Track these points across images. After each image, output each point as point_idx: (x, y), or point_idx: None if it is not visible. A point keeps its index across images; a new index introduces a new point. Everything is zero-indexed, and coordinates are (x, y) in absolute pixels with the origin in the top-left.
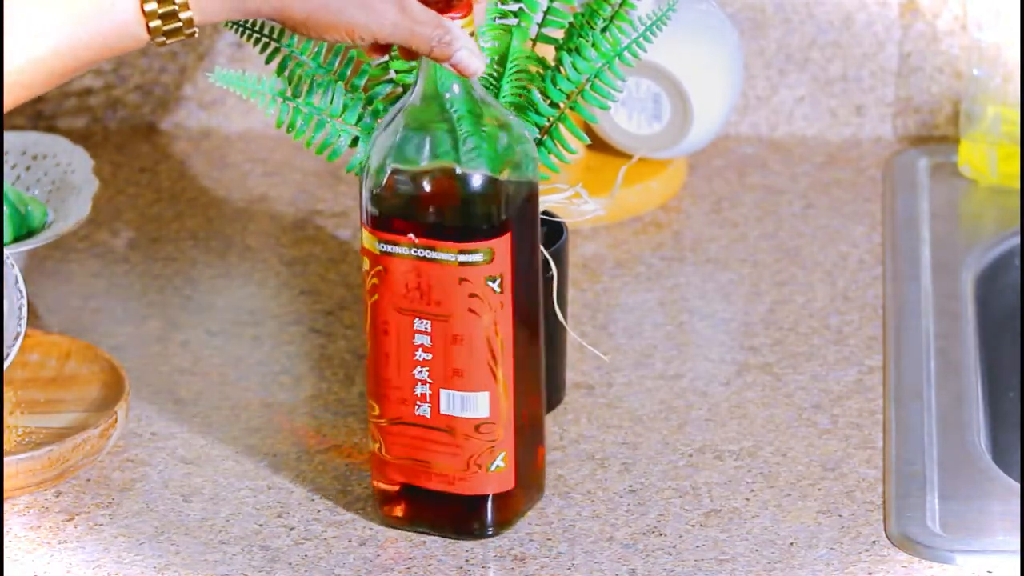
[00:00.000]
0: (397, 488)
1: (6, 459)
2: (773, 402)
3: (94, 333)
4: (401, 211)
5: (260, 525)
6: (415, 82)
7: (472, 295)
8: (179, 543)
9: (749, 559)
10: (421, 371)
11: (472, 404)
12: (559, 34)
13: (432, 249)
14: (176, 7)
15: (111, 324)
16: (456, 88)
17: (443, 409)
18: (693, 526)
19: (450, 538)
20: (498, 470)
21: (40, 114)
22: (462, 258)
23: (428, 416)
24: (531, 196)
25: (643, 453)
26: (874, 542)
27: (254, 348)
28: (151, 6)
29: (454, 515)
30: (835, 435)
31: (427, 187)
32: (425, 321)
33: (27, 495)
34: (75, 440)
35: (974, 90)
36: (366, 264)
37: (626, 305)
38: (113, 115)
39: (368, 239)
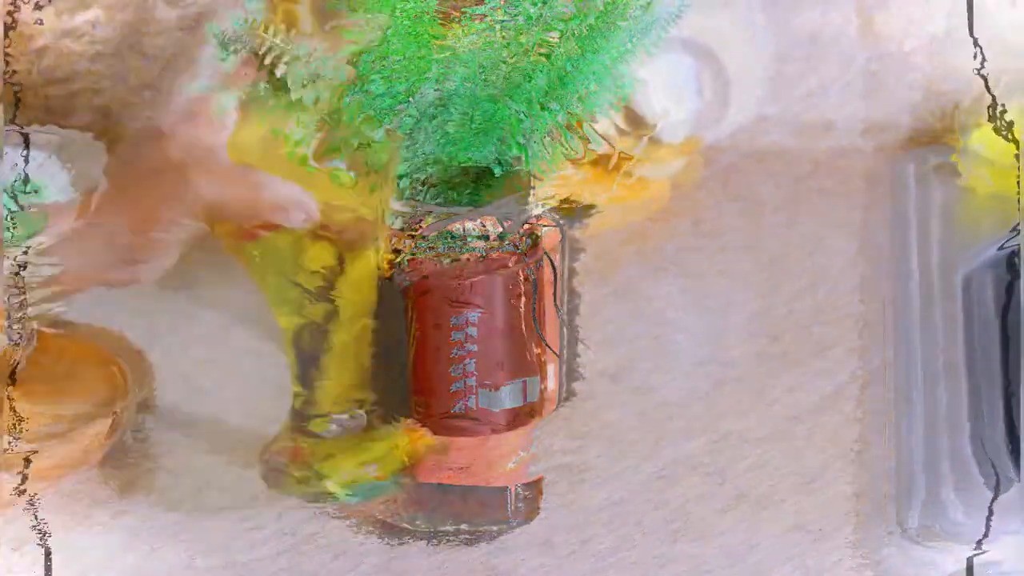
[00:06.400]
0: (435, 485)
1: (25, 447)
2: (753, 411)
3: (94, 333)
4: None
5: (259, 525)
6: (426, 88)
7: (515, 285)
8: (196, 531)
9: (725, 573)
10: (465, 365)
11: (518, 392)
12: (558, 35)
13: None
14: None
15: (112, 324)
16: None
17: (481, 403)
18: (668, 538)
19: (485, 528)
20: (534, 455)
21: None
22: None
23: (474, 407)
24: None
25: (621, 465)
26: (875, 539)
27: (254, 348)
28: None
29: (496, 506)
30: (822, 442)
31: (468, 184)
32: (474, 314)
33: (48, 482)
34: (84, 434)
35: (970, 95)
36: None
37: (606, 316)
38: (114, 115)
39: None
